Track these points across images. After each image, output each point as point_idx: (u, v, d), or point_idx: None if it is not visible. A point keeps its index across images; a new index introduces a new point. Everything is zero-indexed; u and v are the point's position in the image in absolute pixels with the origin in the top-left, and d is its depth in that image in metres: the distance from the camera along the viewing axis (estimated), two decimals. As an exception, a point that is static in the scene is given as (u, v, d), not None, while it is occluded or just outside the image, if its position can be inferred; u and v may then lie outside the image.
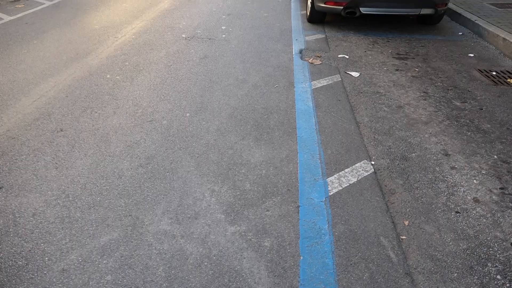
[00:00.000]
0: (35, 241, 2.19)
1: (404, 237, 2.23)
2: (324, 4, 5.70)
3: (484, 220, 2.35)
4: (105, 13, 7.04)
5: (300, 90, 3.96)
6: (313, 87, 4.03)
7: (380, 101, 3.76)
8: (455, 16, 6.41)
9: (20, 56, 4.90)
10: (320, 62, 4.67)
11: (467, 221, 2.35)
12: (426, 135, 3.21)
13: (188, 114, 3.51)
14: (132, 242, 2.18)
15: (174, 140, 3.13)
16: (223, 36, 5.63)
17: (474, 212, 2.42)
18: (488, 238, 2.23)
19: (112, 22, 6.39)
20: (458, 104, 3.72)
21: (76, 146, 3.06)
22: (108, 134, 3.21)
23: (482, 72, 4.43)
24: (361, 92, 3.93)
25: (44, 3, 7.76)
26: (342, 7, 5.51)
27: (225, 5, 7.50)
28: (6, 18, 6.72)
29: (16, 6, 7.59)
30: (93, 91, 3.94)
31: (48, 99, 3.79)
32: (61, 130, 3.27)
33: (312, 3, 6.00)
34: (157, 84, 4.10)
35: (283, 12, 7.02)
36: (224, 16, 6.67)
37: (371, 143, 3.11)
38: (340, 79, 4.22)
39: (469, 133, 3.24)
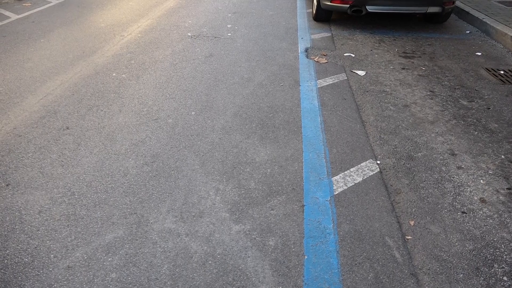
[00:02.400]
0: (40, 238, 2.20)
1: (409, 237, 2.22)
2: (330, 2, 5.67)
3: (491, 221, 2.33)
4: (111, 12, 7.06)
5: (305, 89, 3.95)
6: (319, 86, 4.01)
7: (386, 100, 3.74)
8: (463, 15, 6.35)
9: (27, 54, 4.93)
10: (326, 61, 4.65)
11: (474, 222, 2.33)
12: (433, 135, 3.19)
13: (193, 113, 3.51)
14: (137, 240, 2.19)
15: (179, 138, 3.13)
16: (229, 34, 5.63)
17: (481, 212, 2.40)
18: (495, 239, 2.21)
19: (118, 21, 6.41)
20: (465, 103, 3.68)
21: (82, 144, 3.07)
22: (114, 132, 3.22)
23: (489, 71, 4.39)
24: (367, 91, 3.91)
25: (50, 2, 7.80)
26: (348, 6, 5.48)
27: (231, 3, 7.49)
28: (14, 16, 6.76)
29: (23, 4, 7.64)
30: (99, 89, 3.96)
31: (54, 97, 3.81)
32: (67, 128, 3.29)
33: (318, 1, 5.97)
34: (162, 82, 4.10)
35: (289, 10, 7.00)
36: (229, 15, 6.67)
37: (377, 142, 3.09)
38: (346, 78, 4.20)
39: (476, 133, 3.21)
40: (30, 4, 7.67)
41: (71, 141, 3.12)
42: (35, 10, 7.14)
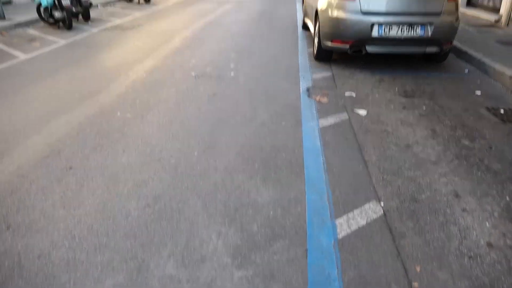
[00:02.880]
0: (39, 285, 2.16)
1: (416, 284, 2.16)
2: (331, 42, 5.82)
3: (499, 267, 2.28)
4: (118, 51, 7.26)
5: (307, 129, 3.98)
6: (321, 125, 4.04)
7: (388, 140, 3.76)
8: (461, 54, 6.49)
9: (34, 93, 5.03)
10: (327, 100, 4.71)
11: (482, 268, 2.27)
12: (436, 175, 3.17)
13: (196, 153, 3.53)
14: (137, 287, 2.14)
15: (181, 179, 3.13)
16: (232, 74, 5.74)
17: (488, 257, 2.35)
18: (504, 286, 2.15)
19: (124, 60, 6.57)
20: (466, 143, 3.69)
21: (85, 184, 3.07)
22: (117, 173, 3.23)
23: (489, 110, 4.43)
24: (369, 131, 3.93)
25: (58, 42, 8.04)
26: (348, 46, 5.62)
27: (234, 43, 7.69)
28: (23, 56, 6.95)
29: (32, 44, 7.87)
30: (104, 129, 4.00)
31: (59, 136, 3.85)
32: (71, 168, 3.30)
33: (319, 41, 6.13)
34: (166, 122, 4.15)
35: (291, 50, 7.17)
36: (233, 54, 6.83)
37: (380, 183, 3.08)
38: (348, 117, 4.24)
39: (479, 173, 3.20)
40: (39, 44, 7.90)
41: (73, 181, 3.12)
42: (43, 51, 7.35)
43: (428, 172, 3.23)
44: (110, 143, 3.72)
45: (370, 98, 4.78)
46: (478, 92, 4.97)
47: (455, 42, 6.68)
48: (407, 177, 3.15)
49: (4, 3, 11.65)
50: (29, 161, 3.42)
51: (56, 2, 9.12)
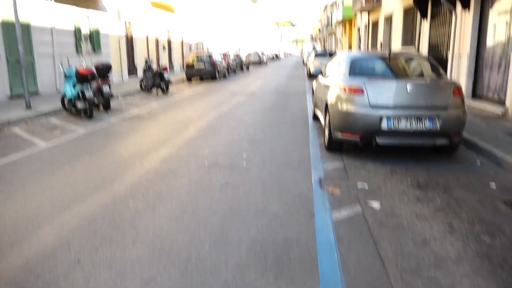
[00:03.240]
0: None
1: None
2: (341, 134, 5.98)
3: None
4: (134, 141, 7.52)
5: (320, 221, 3.91)
6: (334, 219, 3.97)
7: (404, 235, 3.65)
8: (471, 145, 6.56)
9: (50, 182, 5.13)
10: (340, 192, 4.69)
11: None
12: (458, 276, 3.01)
13: (207, 246, 3.45)
14: None
15: (191, 275, 3.02)
16: (244, 164, 5.84)
17: None
18: None
19: (139, 150, 6.78)
20: (486, 239, 3.56)
21: (91, 280, 2.98)
22: (125, 267, 3.14)
23: (507, 203, 4.33)
24: (384, 225, 3.84)
25: (78, 131, 8.41)
26: (358, 138, 5.75)
27: (247, 134, 7.94)
28: (43, 144, 7.24)
29: (53, 133, 8.24)
30: (115, 220, 3.98)
31: (70, 227, 3.83)
32: (79, 262, 3.23)
33: (330, 133, 6.29)
34: (178, 213, 4.13)
35: (302, 140, 7.35)
36: (245, 144, 7.02)
37: (399, 283, 2.92)
38: (361, 210, 4.18)
39: (504, 275, 3.02)
40: (59, 132, 8.27)
41: (80, 276, 3.03)
42: (63, 139, 7.67)
43: (449, 271, 3.07)
44: (120, 235, 3.68)
45: (383, 190, 4.75)
46: (493, 185, 4.91)
47: (465, 134, 6.79)
48: (427, 277, 2.99)
49: (31, 94, 12.47)
50: (38, 253, 3.37)
51: (80, 94, 9.75)
